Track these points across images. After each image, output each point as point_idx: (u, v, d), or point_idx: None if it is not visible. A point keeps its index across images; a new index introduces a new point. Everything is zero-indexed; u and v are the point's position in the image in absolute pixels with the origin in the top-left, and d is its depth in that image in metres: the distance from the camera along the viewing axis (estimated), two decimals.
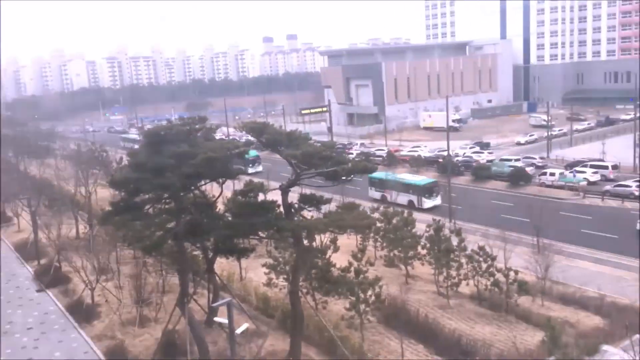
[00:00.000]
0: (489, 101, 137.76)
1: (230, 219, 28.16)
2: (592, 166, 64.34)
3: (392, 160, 77.93)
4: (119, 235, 33.86)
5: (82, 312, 33.35)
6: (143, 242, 27.12)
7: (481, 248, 32.18)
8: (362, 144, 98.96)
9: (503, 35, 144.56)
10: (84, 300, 34.41)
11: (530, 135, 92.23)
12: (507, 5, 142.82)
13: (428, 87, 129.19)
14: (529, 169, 66.21)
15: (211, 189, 32.69)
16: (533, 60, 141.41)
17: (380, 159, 79.25)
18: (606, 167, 63.88)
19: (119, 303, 33.33)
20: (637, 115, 68.71)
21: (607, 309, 30.89)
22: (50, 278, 39.04)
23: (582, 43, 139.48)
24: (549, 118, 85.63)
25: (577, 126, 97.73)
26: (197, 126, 28.86)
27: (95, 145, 76.54)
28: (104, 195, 57.49)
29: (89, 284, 33.87)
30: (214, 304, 27.41)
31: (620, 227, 46.70)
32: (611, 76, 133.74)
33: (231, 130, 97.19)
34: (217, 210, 29.95)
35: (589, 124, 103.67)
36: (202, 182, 29.18)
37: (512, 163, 69.48)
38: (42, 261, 43.35)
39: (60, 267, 40.03)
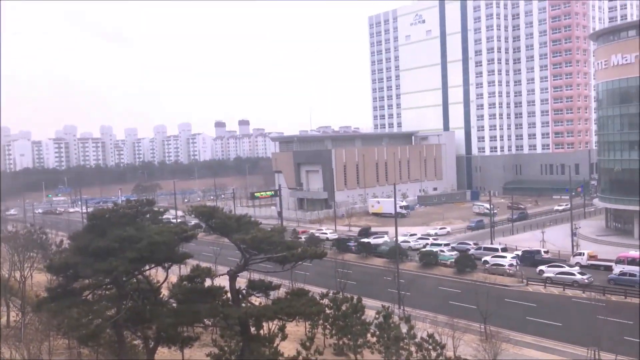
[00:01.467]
0: (435, 189, 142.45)
1: (174, 305, 27.19)
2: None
3: (341, 245, 78.07)
4: (54, 323, 31.83)
5: None
6: (79, 331, 25.65)
7: (430, 336, 32.05)
8: (293, 229, 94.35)
9: (446, 127, 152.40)
10: None
11: (441, 229, 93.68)
12: (449, 99, 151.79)
13: (376, 174, 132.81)
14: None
15: (156, 273, 31.69)
16: (474, 151, 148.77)
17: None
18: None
19: None
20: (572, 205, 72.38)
21: None
22: None
23: (519, 137, 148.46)
24: (492, 206, 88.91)
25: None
26: (144, 209, 28.38)
27: (34, 227, 73.45)
28: (40, 280, 54.49)
29: None
30: None
31: (563, 315, 47.72)
32: (547, 168, 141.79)
33: (180, 213, 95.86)
34: (162, 296, 28.89)
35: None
36: (147, 267, 28.28)
37: (450, 249, 72.68)
38: None
39: None
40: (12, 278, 50.71)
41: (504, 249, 69.74)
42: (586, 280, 55.82)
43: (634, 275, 54.30)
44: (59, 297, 25.85)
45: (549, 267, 60.15)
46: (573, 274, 57.13)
